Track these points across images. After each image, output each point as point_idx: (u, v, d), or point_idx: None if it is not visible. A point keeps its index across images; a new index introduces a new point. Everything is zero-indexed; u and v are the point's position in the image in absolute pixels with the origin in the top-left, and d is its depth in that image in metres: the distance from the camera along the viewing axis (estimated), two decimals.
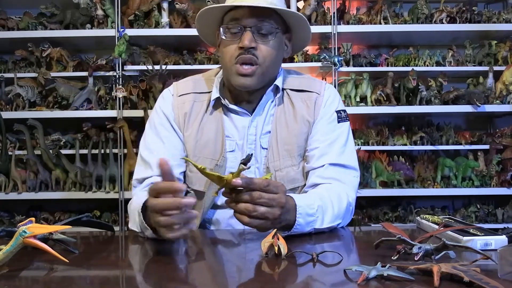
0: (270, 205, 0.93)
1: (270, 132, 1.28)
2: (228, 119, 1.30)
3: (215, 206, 1.29)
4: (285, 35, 1.30)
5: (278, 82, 1.30)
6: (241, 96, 1.30)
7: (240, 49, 1.20)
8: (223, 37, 1.24)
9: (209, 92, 1.31)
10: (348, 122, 1.33)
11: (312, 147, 1.27)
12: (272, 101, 1.31)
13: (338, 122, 1.30)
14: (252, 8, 1.19)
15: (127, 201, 1.26)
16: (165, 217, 0.89)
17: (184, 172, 1.31)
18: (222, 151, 1.26)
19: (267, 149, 1.27)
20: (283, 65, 2.64)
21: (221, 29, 1.24)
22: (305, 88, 1.32)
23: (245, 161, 0.87)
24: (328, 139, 1.27)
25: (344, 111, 1.33)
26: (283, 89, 1.31)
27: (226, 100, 1.29)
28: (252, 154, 0.91)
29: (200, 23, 1.32)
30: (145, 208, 1.01)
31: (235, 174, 0.88)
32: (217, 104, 1.30)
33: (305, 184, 1.28)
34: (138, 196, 1.19)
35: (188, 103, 1.30)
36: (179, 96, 1.32)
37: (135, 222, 1.11)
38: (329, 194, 1.15)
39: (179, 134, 1.30)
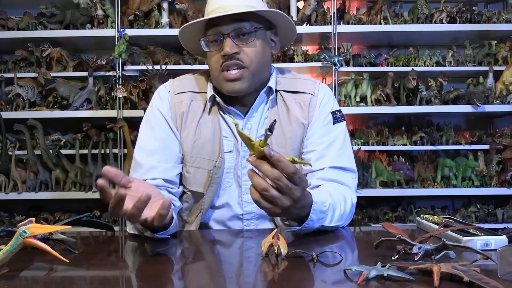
0: (284, 192, 0.88)
1: None
2: (223, 119, 1.28)
3: (213, 207, 1.28)
4: (271, 31, 1.28)
5: (271, 83, 1.28)
6: (234, 99, 1.27)
7: (223, 57, 1.19)
8: (206, 50, 1.23)
9: (206, 92, 1.29)
10: (344, 122, 1.32)
11: (309, 150, 1.26)
12: (266, 103, 1.29)
13: (334, 123, 1.28)
14: (227, 15, 1.17)
15: None
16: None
17: (181, 174, 1.30)
18: (220, 152, 1.25)
19: None
20: (282, 64, 2.68)
21: (202, 42, 1.23)
22: (298, 89, 1.30)
23: (270, 128, 0.83)
24: (325, 141, 1.25)
25: (339, 111, 1.31)
26: (276, 91, 1.29)
27: (220, 99, 1.27)
28: (275, 120, 0.86)
29: (183, 41, 1.32)
30: None
31: (262, 140, 0.85)
32: (214, 103, 1.29)
33: None
34: None
35: (185, 102, 1.28)
36: (176, 94, 1.29)
37: (132, 226, 1.10)
38: (337, 194, 1.14)
39: (176, 133, 1.28)
